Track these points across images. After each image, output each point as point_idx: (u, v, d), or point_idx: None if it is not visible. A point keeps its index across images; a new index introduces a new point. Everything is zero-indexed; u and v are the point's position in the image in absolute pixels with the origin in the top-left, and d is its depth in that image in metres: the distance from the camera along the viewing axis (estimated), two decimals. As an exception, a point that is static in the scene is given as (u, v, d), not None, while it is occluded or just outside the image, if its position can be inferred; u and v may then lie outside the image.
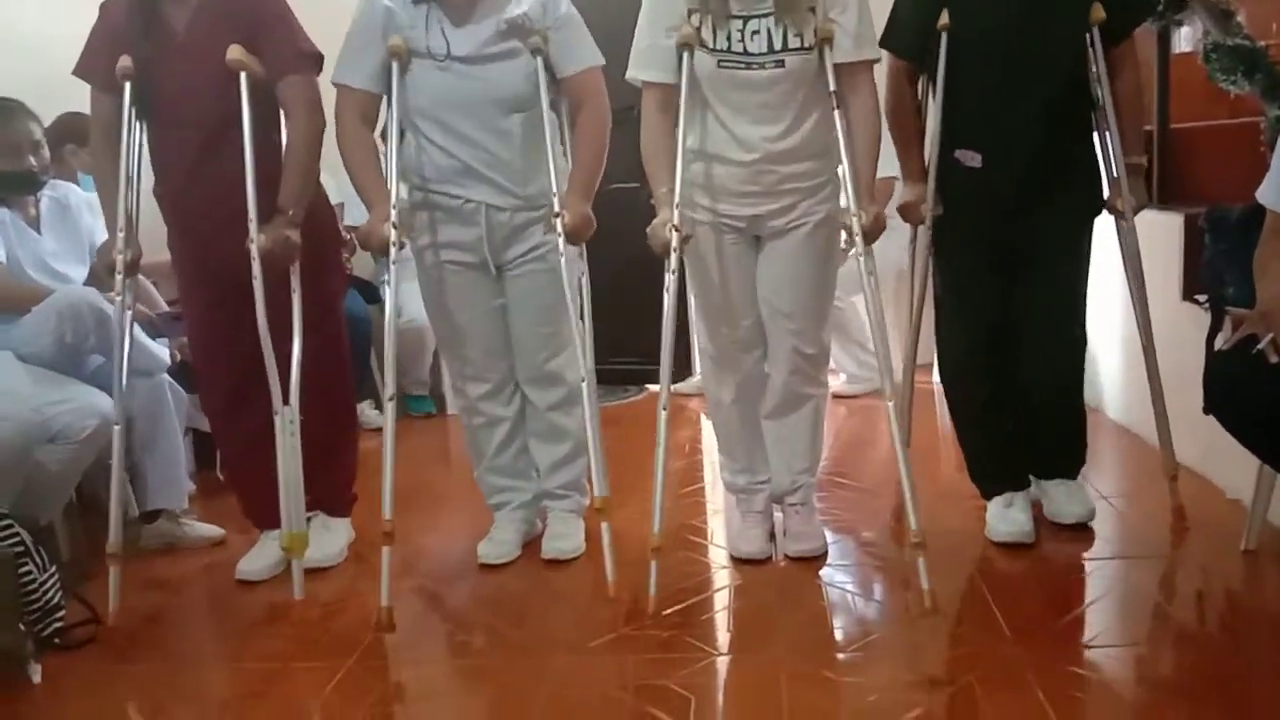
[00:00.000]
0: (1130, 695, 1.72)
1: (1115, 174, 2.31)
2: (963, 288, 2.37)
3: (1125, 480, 2.83)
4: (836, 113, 2.13)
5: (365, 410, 3.95)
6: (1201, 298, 2.49)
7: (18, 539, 2.06)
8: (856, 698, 1.76)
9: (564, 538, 2.46)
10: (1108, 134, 2.30)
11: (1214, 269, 2.24)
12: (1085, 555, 2.31)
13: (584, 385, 2.26)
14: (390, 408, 2.18)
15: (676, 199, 2.12)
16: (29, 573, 2.05)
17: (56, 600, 2.10)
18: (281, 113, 2.28)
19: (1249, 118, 2.82)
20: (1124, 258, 2.36)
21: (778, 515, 2.47)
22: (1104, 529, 2.43)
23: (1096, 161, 2.32)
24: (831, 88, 2.13)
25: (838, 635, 1.99)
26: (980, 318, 2.36)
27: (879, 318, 2.19)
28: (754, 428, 2.42)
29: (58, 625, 2.10)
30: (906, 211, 2.37)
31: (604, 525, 2.15)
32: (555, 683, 1.87)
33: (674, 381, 4.07)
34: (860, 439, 3.45)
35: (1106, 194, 2.35)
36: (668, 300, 2.15)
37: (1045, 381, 2.37)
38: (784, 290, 2.28)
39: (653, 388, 4.01)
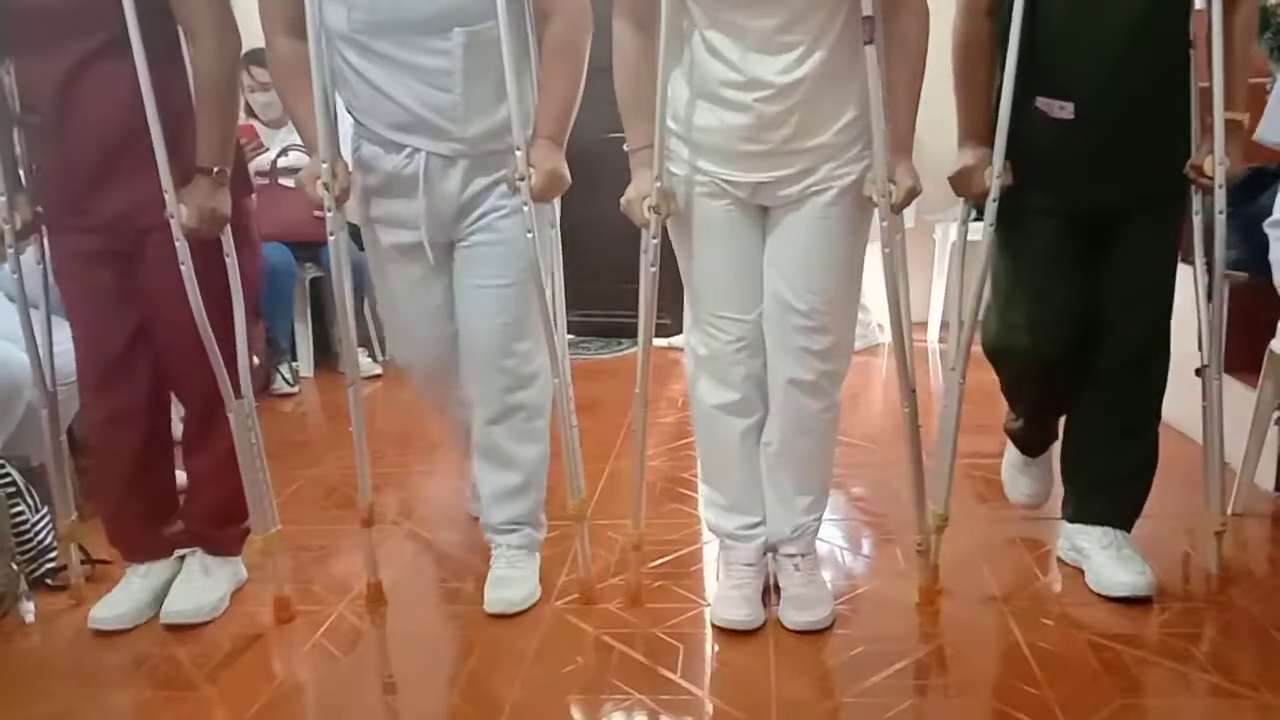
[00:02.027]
0: (1112, 651, 1.74)
1: (1202, 131, 1.85)
2: (1036, 274, 1.90)
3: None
4: (870, 46, 1.62)
5: (359, 357, 3.97)
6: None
7: (9, 480, 2.07)
8: (843, 649, 1.79)
9: (512, 584, 1.96)
10: (1196, 82, 1.85)
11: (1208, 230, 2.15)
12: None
13: (552, 381, 1.90)
14: (354, 391, 1.94)
15: (657, 165, 1.71)
16: (21, 513, 2.07)
17: (49, 541, 2.11)
18: (183, 37, 1.79)
19: (1255, 79, 2.79)
20: (1200, 238, 1.90)
21: (772, 567, 1.98)
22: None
23: (1190, 116, 1.86)
24: (866, 12, 1.60)
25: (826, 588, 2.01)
26: (1059, 308, 1.90)
27: (894, 293, 1.80)
28: (753, 455, 1.91)
29: (50, 566, 2.11)
30: (964, 181, 1.85)
31: (582, 528, 1.96)
32: (545, 630, 1.89)
33: (667, 335, 4.13)
34: (852, 394, 3.46)
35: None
36: (644, 286, 1.81)
37: (1118, 393, 1.94)
38: (797, 278, 1.76)
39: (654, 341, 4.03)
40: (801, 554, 1.92)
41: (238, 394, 1.87)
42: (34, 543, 2.08)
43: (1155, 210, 1.88)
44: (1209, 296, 1.89)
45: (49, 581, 2.10)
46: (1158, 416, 1.97)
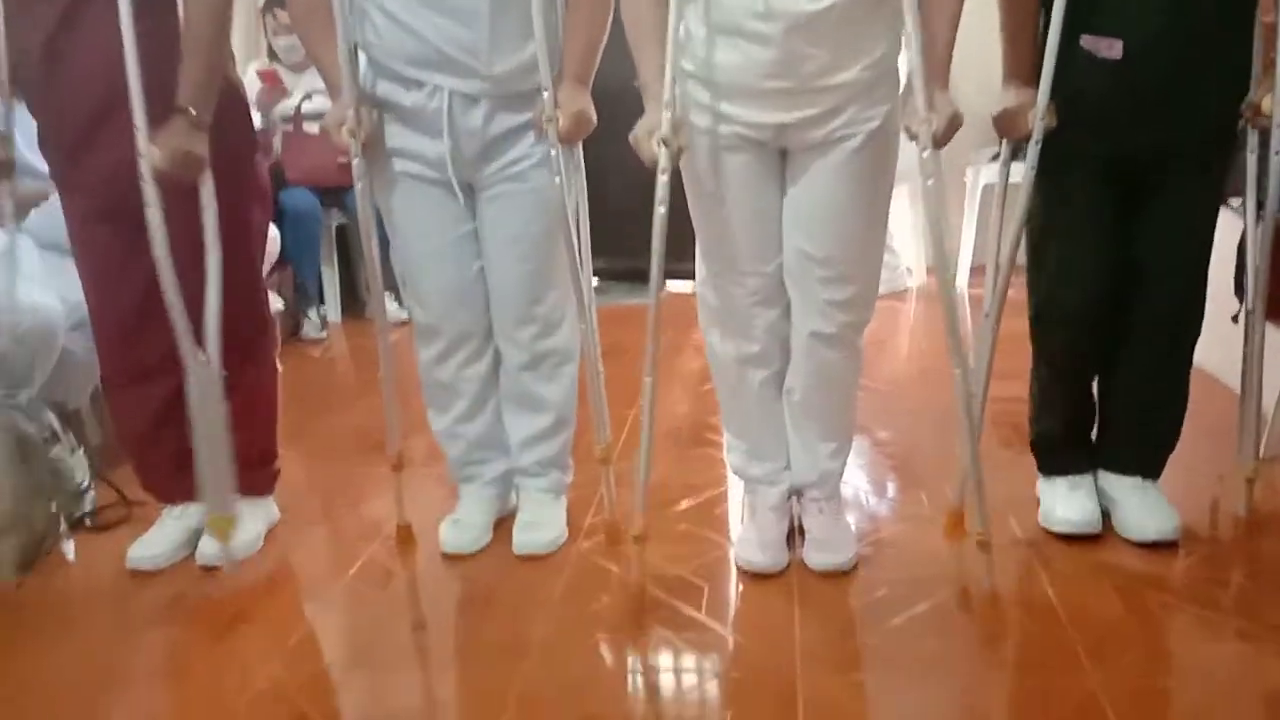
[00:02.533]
0: (1139, 597, 1.74)
1: (1264, 68, 1.77)
2: (1075, 219, 1.84)
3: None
4: None
5: (386, 303, 3.99)
6: (1235, 201, 2.41)
7: (47, 422, 2.11)
8: (865, 591, 1.80)
9: (539, 527, 2.00)
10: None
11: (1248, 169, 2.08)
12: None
13: (579, 326, 1.87)
14: (383, 336, 1.93)
15: (668, 94, 1.60)
16: (58, 455, 2.11)
17: (86, 483, 2.16)
18: None
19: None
20: (1253, 178, 1.85)
21: (796, 509, 1.99)
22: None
23: (1250, 52, 1.78)
24: None
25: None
26: (1097, 255, 1.84)
27: (936, 231, 1.67)
28: (773, 403, 1.91)
29: (89, 507, 2.16)
30: (1007, 123, 1.77)
31: (607, 471, 1.93)
32: (572, 571, 1.91)
33: (690, 279, 4.11)
34: (878, 339, 3.44)
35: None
36: (657, 228, 1.68)
37: (1155, 344, 1.90)
38: (820, 229, 1.71)
39: (675, 286, 4.01)
40: (826, 497, 1.92)
41: (203, 348, 1.75)
42: (72, 485, 2.12)
43: (1202, 155, 1.81)
44: (1257, 240, 1.84)
45: (88, 522, 2.15)
46: (1190, 365, 1.94)
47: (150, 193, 1.65)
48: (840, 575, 1.84)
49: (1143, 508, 1.92)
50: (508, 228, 1.87)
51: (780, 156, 1.72)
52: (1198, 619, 1.68)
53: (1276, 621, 1.65)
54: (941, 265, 1.75)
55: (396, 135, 1.82)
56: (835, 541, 1.88)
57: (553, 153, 1.74)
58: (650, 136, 1.63)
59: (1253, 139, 1.83)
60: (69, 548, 2.05)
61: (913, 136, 1.60)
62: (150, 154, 1.64)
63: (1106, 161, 1.80)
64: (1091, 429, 2.02)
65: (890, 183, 1.76)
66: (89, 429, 2.48)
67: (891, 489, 2.27)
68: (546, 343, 1.94)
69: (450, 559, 1.97)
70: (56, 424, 2.13)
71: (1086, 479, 2.00)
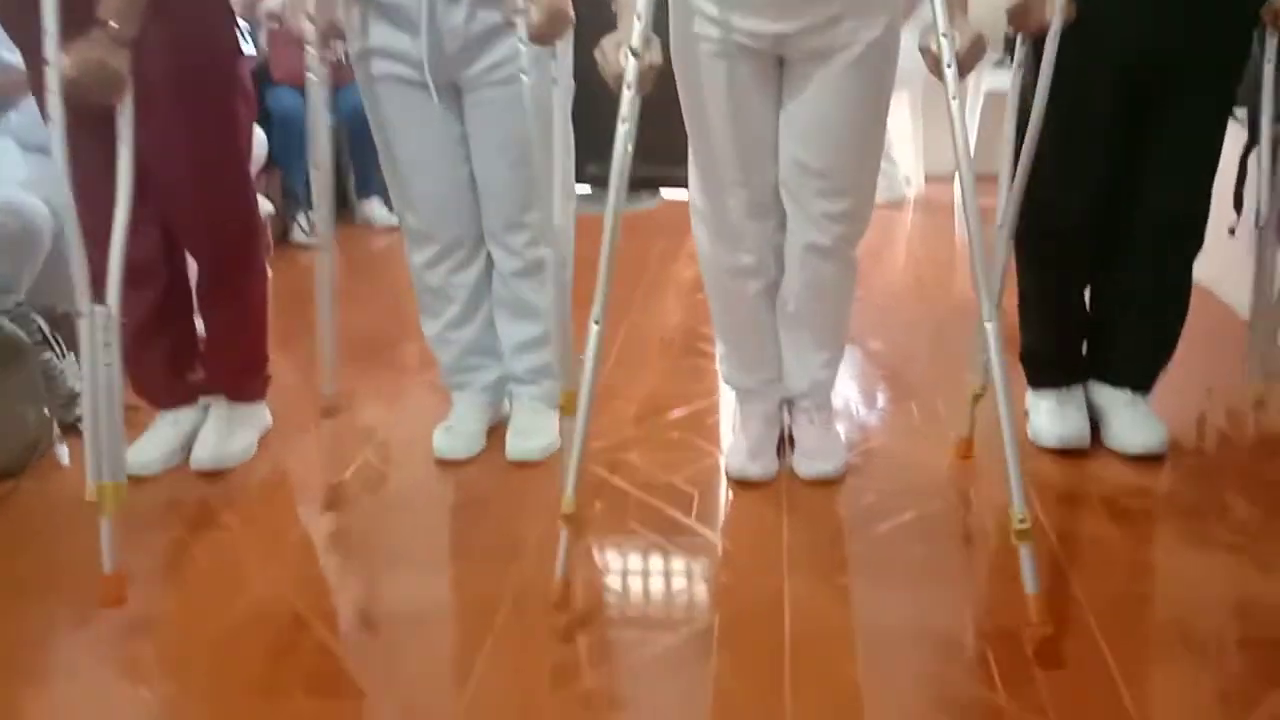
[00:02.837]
0: (1123, 508, 1.77)
1: None
2: (1080, 125, 1.78)
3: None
4: None
5: (375, 208, 3.94)
6: (1239, 110, 2.35)
7: (36, 327, 2.10)
8: (853, 499, 1.82)
9: (532, 434, 2.00)
10: None
11: (1255, 78, 1.98)
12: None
13: (551, 254, 1.74)
14: (320, 260, 1.85)
15: (641, 5, 1.44)
16: (49, 360, 2.10)
17: (77, 387, 2.15)
18: None
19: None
20: (1270, 89, 1.83)
21: (786, 419, 1.98)
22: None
23: None
24: None
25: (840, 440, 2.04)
26: (1099, 163, 1.82)
27: (965, 153, 1.46)
28: (766, 314, 1.89)
29: (80, 411, 2.16)
30: (1024, 14, 1.67)
31: (566, 424, 1.71)
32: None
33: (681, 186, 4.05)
34: (874, 249, 3.42)
35: None
36: (617, 156, 1.49)
37: (1156, 255, 1.87)
38: (817, 141, 1.68)
39: (669, 194, 3.96)
40: (816, 407, 1.93)
41: (100, 298, 1.54)
42: (64, 389, 2.12)
43: (1220, 61, 1.78)
44: (1268, 155, 1.82)
45: (80, 426, 2.15)
46: (1190, 277, 1.92)
47: (55, 106, 1.47)
48: (829, 483, 1.86)
49: (1132, 421, 1.93)
50: (496, 133, 1.82)
51: (778, 67, 1.67)
52: (1180, 530, 1.71)
53: (1257, 531, 1.68)
54: (973, 209, 1.47)
55: (378, 33, 1.76)
56: (825, 450, 1.89)
57: (522, 49, 1.64)
58: (619, 47, 1.48)
59: (1270, 46, 1.79)
60: (63, 452, 2.06)
61: (929, 57, 1.47)
62: (59, 62, 1.46)
63: (1122, 67, 1.75)
64: (1082, 341, 2.01)
65: (889, 95, 1.72)
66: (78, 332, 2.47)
67: (882, 399, 2.29)
68: (540, 250, 1.87)
69: (443, 464, 1.99)
70: (46, 328, 2.12)
71: (1076, 392, 1.99)
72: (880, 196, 3.99)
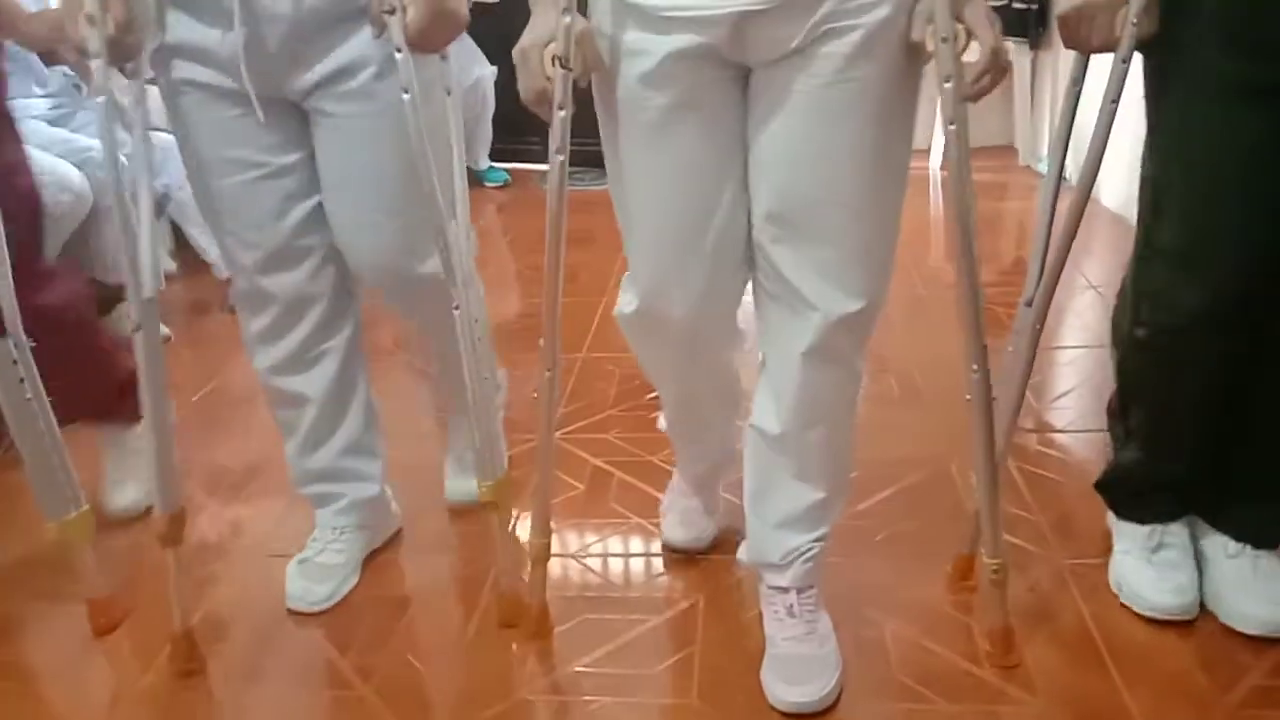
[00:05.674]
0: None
1: None
2: (1207, 170, 1.21)
3: (1119, 270, 2.82)
4: None
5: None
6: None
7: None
8: (846, 494, 1.82)
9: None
10: None
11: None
12: (1063, 344, 2.33)
13: (458, 314, 1.33)
14: (140, 340, 1.32)
15: None
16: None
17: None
18: None
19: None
20: None
21: (765, 597, 1.43)
22: (1087, 317, 2.45)
23: None
24: None
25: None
26: (1240, 227, 1.21)
27: (963, 223, 1.14)
28: (724, 425, 1.51)
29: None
30: (1082, 26, 1.15)
31: (496, 516, 1.48)
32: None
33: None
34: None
35: None
36: (552, 189, 1.20)
37: None
38: (802, 177, 1.15)
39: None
40: (801, 586, 1.36)
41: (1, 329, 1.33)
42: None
43: None
44: None
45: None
46: None
47: None
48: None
49: (1248, 584, 1.39)
50: (358, 170, 1.34)
51: (742, 82, 1.16)
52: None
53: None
54: (968, 266, 1.17)
55: (175, 25, 1.29)
56: (816, 665, 1.32)
57: (398, 56, 1.21)
58: (543, 48, 1.12)
59: None
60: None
61: (928, 53, 1.08)
62: None
63: (1255, 94, 1.16)
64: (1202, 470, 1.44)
65: (912, 114, 1.17)
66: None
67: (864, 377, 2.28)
68: (431, 298, 1.39)
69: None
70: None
71: (1179, 532, 1.46)
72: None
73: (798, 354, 1.23)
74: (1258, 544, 1.41)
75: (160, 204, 2.61)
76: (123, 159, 1.29)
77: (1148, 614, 1.41)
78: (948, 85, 1.06)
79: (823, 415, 1.29)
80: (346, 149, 1.35)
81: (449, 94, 1.36)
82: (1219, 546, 1.43)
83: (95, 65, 1.20)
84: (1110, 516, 1.53)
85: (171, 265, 2.89)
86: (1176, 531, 1.46)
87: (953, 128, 1.09)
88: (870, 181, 1.15)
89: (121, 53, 1.24)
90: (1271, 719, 1.24)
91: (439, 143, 1.33)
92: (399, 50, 1.21)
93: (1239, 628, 1.37)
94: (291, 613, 1.52)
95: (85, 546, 1.47)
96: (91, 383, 1.68)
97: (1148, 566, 1.43)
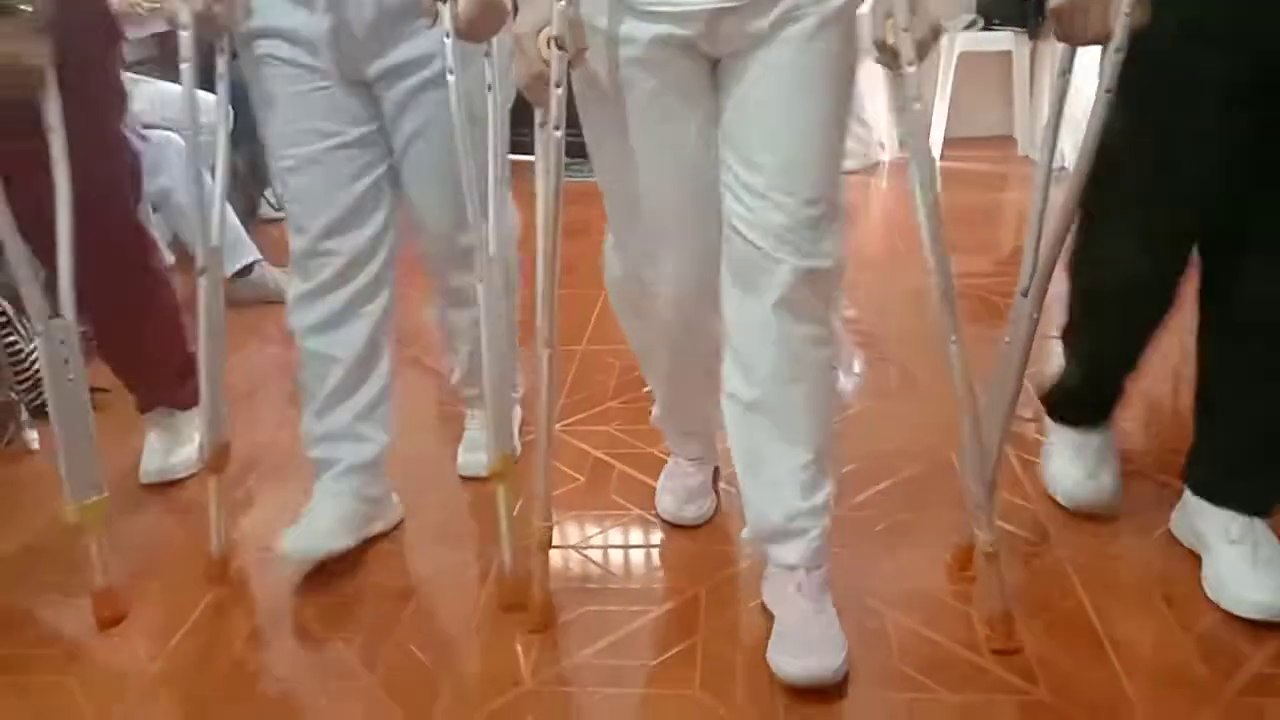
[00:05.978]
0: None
1: None
2: (1170, 155, 1.32)
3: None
4: None
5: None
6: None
7: (1, 311, 2.05)
8: (835, 466, 1.82)
9: (484, 446, 1.57)
10: None
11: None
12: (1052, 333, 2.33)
13: (480, 286, 1.45)
14: (203, 282, 1.50)
15: None
16: (15, 343, 2.06)
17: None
18: None
19: None
20: None
21: (766, 574, 1.47)
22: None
23: None
24: None
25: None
26: (1195, 207, 1.36)
27: (928, 175, 1.25)
28: (709, 395, 1.51)
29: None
30: (1075, 19, 1.19)
31: (500, 492, 1.50)
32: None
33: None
34: (848, 215, 3.41)
35: None
36: (541, 170, 1.29)
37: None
38: (768, 150, 1.26)
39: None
40: (808, 565, 1.38)
41: (53, 311, 1.42)
42: (30, 372, 2.07)
43: None
44: None
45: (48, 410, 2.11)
46: None
47: None
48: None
49: (1249, 568, 1.40)
50: (426, 142, 1.50)
51: (711, 71, 1.29)
52: (1156, 484, 1.72)
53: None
54: (940, 260, 1.34)
55: (266, 10, 1.43)
56: (822, 642, 1.33)
57: (447, 41, 1.32)
58: (538, 33, 1.21)
59: None
60: (32, 436, 2.02)
61: (885, 52, 1.18)
62: None
63: (1229, 84, 1.25)
64: (1122, 387, 1.65)
65: (853, 86, 1.31)
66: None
67: (858, 365, 2.29)
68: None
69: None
70: (10, 310, 2.07)
71: (1102, 435, 1.66)
72: (854, 162, 4.00)
73: (768, 308, 1.30)
74: (1253, 510, 1.45)
75: (157, 203, 2.62)
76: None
77: (1062, 500, 1.65)
78: (911, 69, 1.17)
79: (801, 373, 1.34)
80: (422, 135, 1.49)
81: (489, 90, 1.42)
82: (1220, 533, 1.45)
83: (183, 36, 1.37)
84: (1046, 419, 1.75)
85: (170, 258, 2.89)
86: (1100, 432, 1.67)
87: (918, 106, 1.20)
88: (827, 145, 1.28)
89: (209, 26, 1.40)
90: (1271, 706, 1.25)
91: (478, 129, 1.43)
92: (447, 36, 1.32)
93: (1240, 613, 1.39)
94: (295, 603, 1.53)
95: (98, 533, 1.51)
96: (160, 364, 1.85)
97: (1074, 463, 1.65)
